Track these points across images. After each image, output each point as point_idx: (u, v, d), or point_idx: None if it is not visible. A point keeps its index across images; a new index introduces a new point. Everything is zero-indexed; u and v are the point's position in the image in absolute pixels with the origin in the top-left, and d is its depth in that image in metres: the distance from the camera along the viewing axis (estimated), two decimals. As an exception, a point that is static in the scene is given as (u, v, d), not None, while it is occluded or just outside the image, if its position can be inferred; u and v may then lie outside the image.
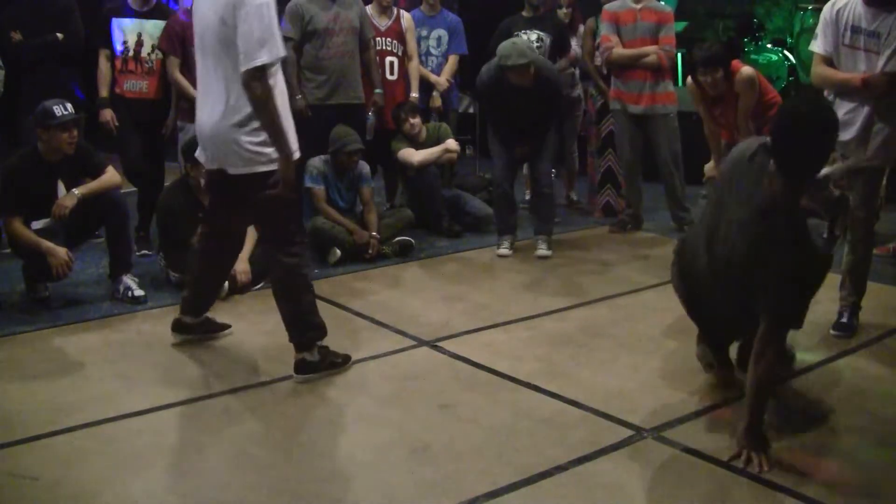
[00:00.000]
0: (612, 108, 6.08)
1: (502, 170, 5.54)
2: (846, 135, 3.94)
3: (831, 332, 4.07)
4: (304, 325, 3.62)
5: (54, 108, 4.37)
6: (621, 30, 5.81)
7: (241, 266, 4.70)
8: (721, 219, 3.10)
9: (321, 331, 3.66)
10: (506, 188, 5.59)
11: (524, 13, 6.40)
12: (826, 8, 4.02)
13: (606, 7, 5.90)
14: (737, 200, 3.02)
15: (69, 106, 4.42)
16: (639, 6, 5.77)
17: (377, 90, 5.84)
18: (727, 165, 3.21)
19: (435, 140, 6.10)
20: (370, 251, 5.40)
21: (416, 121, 6.00)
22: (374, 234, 5.46)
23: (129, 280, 4.60)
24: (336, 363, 3.68)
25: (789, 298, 2.90)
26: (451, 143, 6.11)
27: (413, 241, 5.61)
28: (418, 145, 6.02)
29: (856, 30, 3.88)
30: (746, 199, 2.96)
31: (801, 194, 2.95)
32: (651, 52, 5.71)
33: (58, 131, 4.38)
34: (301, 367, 3.60)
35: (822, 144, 2.87)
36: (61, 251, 4.32)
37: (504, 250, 5.55)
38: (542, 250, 5.46)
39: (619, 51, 5.79)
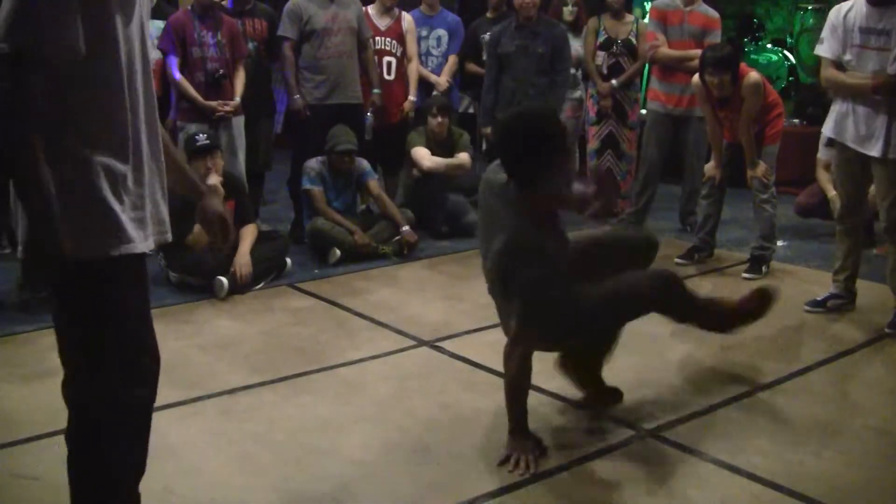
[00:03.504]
0: (648, 108, 6.08)
1: None
2: (872, 150, 3.96)
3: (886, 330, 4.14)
4: None
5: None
6: (667, 29, 5.81)
7: (243, 259, 4.69)
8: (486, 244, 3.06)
9: None
10: None
11: (488, 14, 6.46)
12: (832, 12, 4.08)
13: (655, 4, 5.92)
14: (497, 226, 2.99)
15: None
16: (687, 8, 5.79)
17: (375, 90, 5.84)
18: (482, 190, 3.12)
19: (453, 144, 6.07)
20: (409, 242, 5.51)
21: (445, 121, 5.97)
22: (406, 227, 5.50)
23: None
24: None
25: (534, 303, 2.87)
26: (466, 160, 6.06)
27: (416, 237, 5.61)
28: (435, 143, 5.98)
29: (865, 30, 3.91)
30: (501, 225, 2.95)
31: (539, 201, 2.93)
32: (696, 56, 5.67)
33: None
34: None
35: (522, 141, 2.87)
36: None
37: None
38: None
39: (665, 51, 5.79)
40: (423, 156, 5.94)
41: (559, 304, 2.89)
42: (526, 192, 2.91)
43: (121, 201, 1.95)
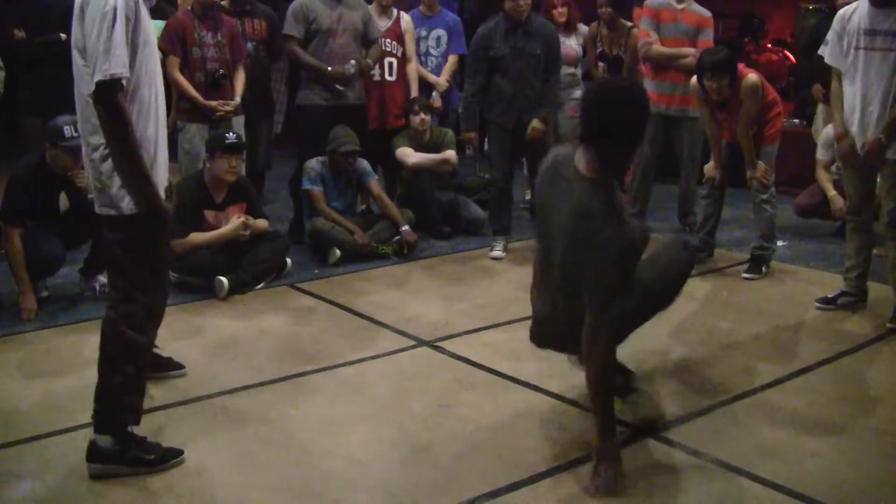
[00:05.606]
0: None
1: (503, 166, 5.52)
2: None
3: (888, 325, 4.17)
4: (110, 402, 2.83)
5: (65, 128, 4.24)
6: (660, 27, 5.77)
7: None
8: (549, 229, 2.94)
9: (134, 415, 2.89)
10: (505, 185, 5.58)
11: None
12: (836, 17, 4.11)
13: (648, 2, 5.85)
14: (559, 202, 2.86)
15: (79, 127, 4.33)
16: (680, 6, 5.74)
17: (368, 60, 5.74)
18: (542, 177, 3.02)
19: (437, 144, 6.07)
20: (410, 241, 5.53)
21: (427, 118, 5.98)
22: (406, 227, 5.52)
23: (104, 277, 4.48)
24: (144, 460, 2.86)
25: (611, 281, 2.69)
26: (451, 155, 6.06)
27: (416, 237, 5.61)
28: (420, 146, 6.01)
29: (869, 32, 3.93)
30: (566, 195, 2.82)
31: (611, 166, 2.83)
32: (690, 53, 5.63)
33: (62, 153, 4.31)
34: (92, 454, 2.84)
35: (618, 110, 2.77)
36: (31, 302, 4.30)
37: (498, 252, 5.51)
38: None
39: (659, 48, 5.73)
40: (408, 153, 5.95)
41: (632, 277, 2.77)
42: (604, 164, 2.78)
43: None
